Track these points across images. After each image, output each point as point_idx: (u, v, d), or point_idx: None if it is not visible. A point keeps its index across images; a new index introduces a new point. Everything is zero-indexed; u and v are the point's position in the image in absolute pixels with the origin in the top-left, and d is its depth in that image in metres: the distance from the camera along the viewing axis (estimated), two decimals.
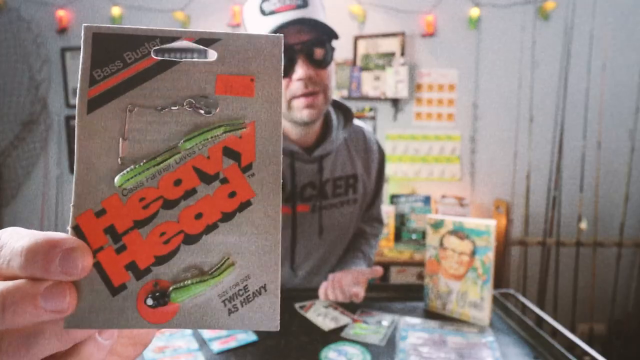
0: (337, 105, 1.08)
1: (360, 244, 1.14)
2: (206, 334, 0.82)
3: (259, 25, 0.86)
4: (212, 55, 0.24)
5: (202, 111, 0.23)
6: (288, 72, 0.85)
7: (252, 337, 0.81)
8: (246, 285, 0.23)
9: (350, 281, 0.93)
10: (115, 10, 2.50)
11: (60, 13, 2.50)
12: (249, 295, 0.23)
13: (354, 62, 2.51)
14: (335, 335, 0.82)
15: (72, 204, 0.22)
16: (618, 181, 2.40)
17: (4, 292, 0.20)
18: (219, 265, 0.23)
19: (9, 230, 0.22)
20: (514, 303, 1.00)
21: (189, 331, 0.83)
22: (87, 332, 0.22)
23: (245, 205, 0.23)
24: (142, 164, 0.23)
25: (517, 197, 2.45)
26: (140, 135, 0.23)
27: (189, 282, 0.22)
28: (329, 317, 0.89)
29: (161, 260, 0.23)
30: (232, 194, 0.23)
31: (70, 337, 0.21)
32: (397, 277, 2.28)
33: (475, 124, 2.49)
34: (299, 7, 0.84)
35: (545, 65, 2.39)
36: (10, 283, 0.20)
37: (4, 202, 2.64)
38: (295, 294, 0.98)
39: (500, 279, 2.39)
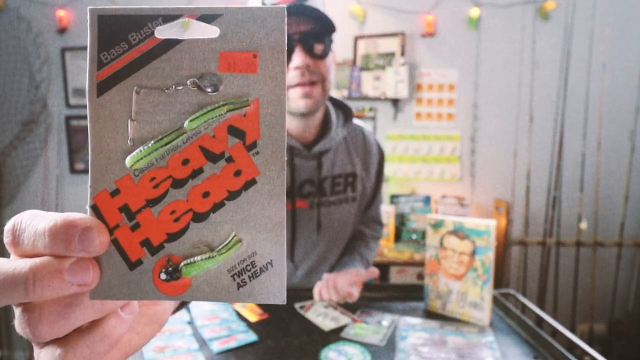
0: (336, 103, 1.08)
1: (359, 246, 1.14)
2: (206, 334, 0.82)
3: None
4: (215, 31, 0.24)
5: (207, 89, 0.24)
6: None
7: (252, 337, 0.81)
8: (253, 261, 0.24)
9: (345, 282, 0.93)
10: None
11: (60, 13, 2.49)
12: (256, 270, 0.24)
13: (354, 62, 2.51)
14: (335, 335, 0.82)
15: (89, 184, 0.23)
16: (618, 181, 2.40)
17: (34, 268, 0.21)
18: (226, 242, 0.23)
19: (28, 214, 0.23)
20: (514, 303, 1.00)
21: (189, 331, 0.83)
22: (117, 302, 0.24)
23: (250, 183, 0.24)
24: (150, 144, 0.23)
25: (517, 197, 2.45)
26: (148, 116, 0.23)
27: (199, 258, 0.23)
28: (329, 317, 0.89)
29: (172, 237, 0.23)
30: (238, 173, 0.24)
31: (103, 307, 0.23)
32: (397, 277, 2.28)
33: (475, 124, 2.49)
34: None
35: (545, 65, 2.39)
36: (37, 260, 0.22)
37: (4, 202, 2.64)
38: (295, 294, 0.98)
39: (500, 279, 2.39)
